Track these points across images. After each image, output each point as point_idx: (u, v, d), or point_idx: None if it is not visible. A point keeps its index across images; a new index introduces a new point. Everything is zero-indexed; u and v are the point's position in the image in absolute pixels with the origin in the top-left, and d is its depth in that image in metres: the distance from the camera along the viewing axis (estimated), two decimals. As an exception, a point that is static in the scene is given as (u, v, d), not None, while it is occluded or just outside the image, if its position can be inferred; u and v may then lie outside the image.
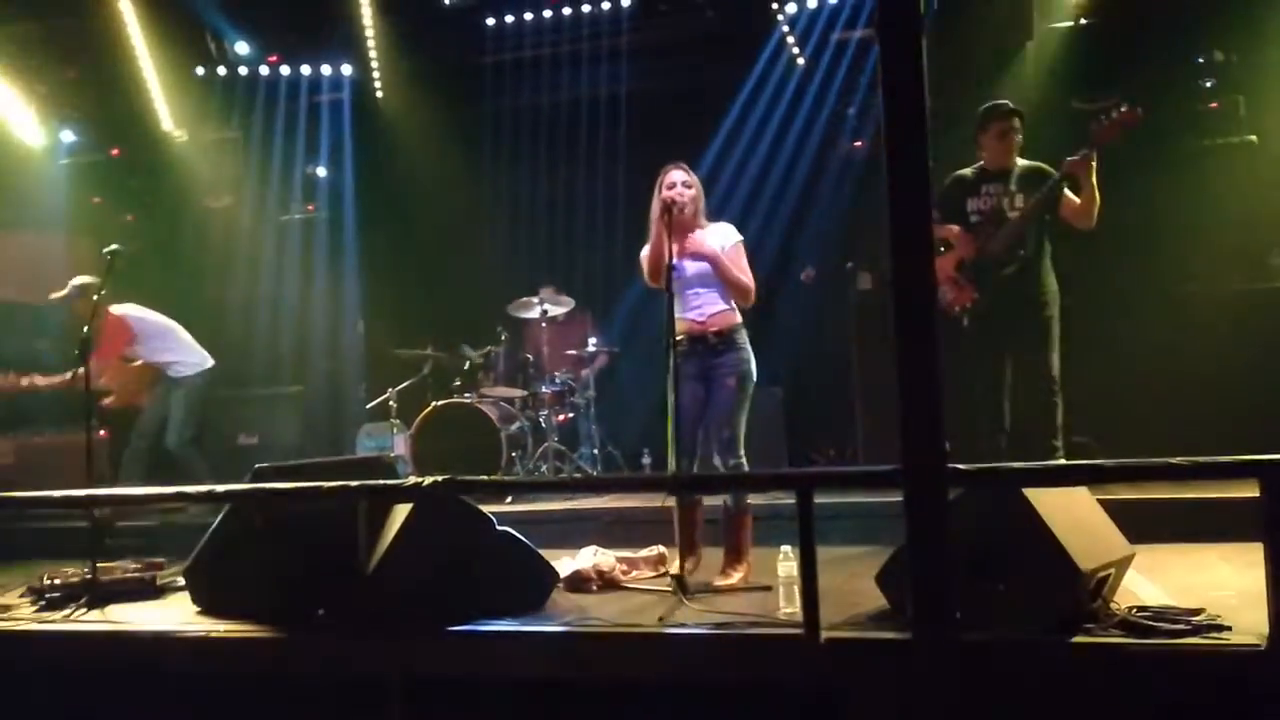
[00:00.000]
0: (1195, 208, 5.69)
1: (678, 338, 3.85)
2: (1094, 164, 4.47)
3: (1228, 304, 5.46)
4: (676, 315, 3.89)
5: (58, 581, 4.03)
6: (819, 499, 2.91)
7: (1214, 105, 5.86)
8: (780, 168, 6.75)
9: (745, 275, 3.98)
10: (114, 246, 4.72)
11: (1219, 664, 2.60)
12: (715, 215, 4.16)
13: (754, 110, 6.82)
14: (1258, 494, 2.58)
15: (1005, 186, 4.72)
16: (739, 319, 4.01)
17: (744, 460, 3.94)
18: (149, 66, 7.32)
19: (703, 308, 3.95)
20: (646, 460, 6.52)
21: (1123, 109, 4.41)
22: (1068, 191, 4.60)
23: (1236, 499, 3.61)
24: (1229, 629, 2.68)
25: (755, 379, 3.99)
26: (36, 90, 7.35)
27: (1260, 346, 5.29)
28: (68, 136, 7.76)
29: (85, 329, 4.44)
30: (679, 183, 4.00)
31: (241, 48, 7.32)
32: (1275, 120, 5.82)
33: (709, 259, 3.92)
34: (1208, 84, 5.83)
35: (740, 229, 4.12)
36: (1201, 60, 5.90)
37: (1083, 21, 6.16)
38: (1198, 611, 2.80)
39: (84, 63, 7.35)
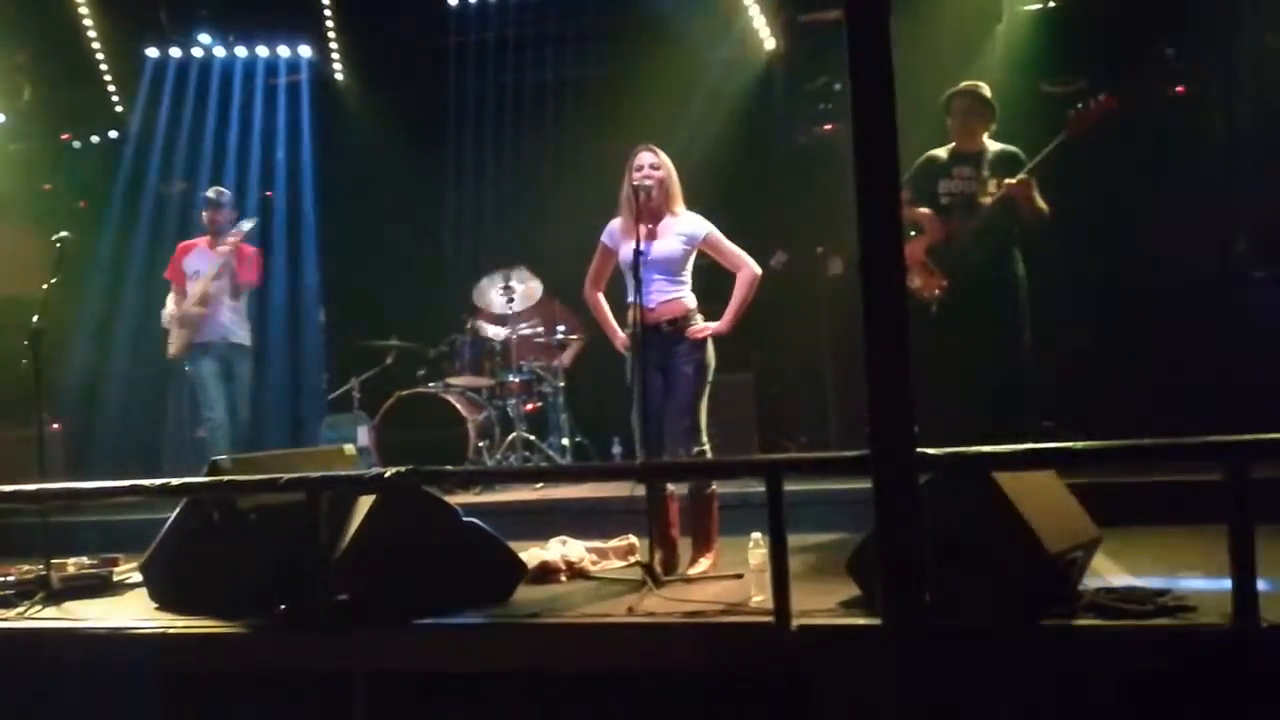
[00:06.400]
0: (1161, 192, 5.73)
1: (638, 326, 3.81)
2: (1034, 185, 4.50)
3: (1194, 288, 5.52)
4: (636, 302, 3.85)
5: (11, 578, 3.94)
6: (789, 486, 2.89)
7: (1180, 89, 5.90)
8: (749, 151, 6.71)
9: (744, 262, 4.00)
10: (64, 234, 4.61)
11: (1184, 644, 2.63)
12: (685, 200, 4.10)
13: (723, 92, 6.77)
14: (1222, 476, 2.59)
15: (977, 170, 4.71)
16: (693, 305, 3.98)
17: (707, 448, 3.92)
18: (101, 48, 7.12)
19: (654, 295, 3.91)
20: (617, 449, 6.48)
21: (1100, 98, 4.40)
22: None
23: (1202, 481, 3.64)
24: (1194, 609, 2.71)
25: (713, 366, 3.97)
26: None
27: (1226, 330, 5.35)
28: (16, 121, 7.53)
29: (36, 318, 4.30)
30: (647, 165, 3.95)
31: (203, 37, 7.15)
32: (1241, 104, 5.88)
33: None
34: (1174, 59, 5.86)
35: (709, 214, 4.07)
36: (1169, 45, 5.94)
37: (1051, 4, 6.18)
38: (1163, 593, 2.83)
39: (33, 45, 7.14)
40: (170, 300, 5.93)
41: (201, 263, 5.83)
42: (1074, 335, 5.57)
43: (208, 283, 5.73)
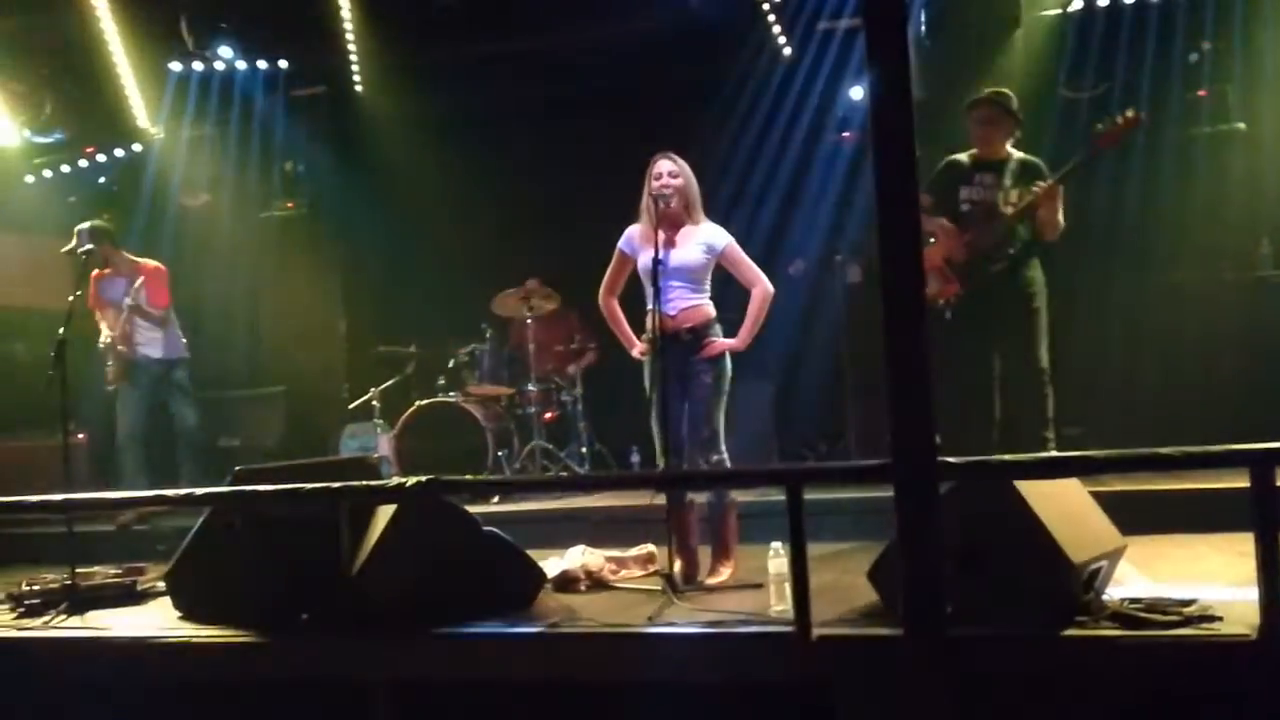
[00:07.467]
0: (1185, 196, 5.69)
1: (657, 333, 3.81)
2: (1058, 197, 4.48)
3: (1218, 293, 5.47)
4: (655, 309, 3.85)
5: (37, 588, 3.98)
6: (809, 494, 2.89)
7: (1202, 93, 5.86)
8: (767, 160, 6.71)
9: (758, 278, 3.97)
10: (88, 246, 4.66)
11: (1210, 655, 2.60)
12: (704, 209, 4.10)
13: (741, 101, 6.78)
14: (1248, 484, 2.57)
15: (999, 179, 4.68)
16: (713, 313, 3.97)
17: (725, 457, 3.91)
18: (123, 63, 7.21)
19: (675, 302, 3.90)
20: (635, 458, 6.47)
21: (1127, 114, 4.36)
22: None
23: (1227, 489, 3.61)
24: (1220, 619, 2.68)
25: (730, 375, 3.95)
26: (9, 89, 7.22)
27: (1250, 335, 5.30)
28: (41, 135, 7.62)
29: (61, 330, 4.36)
30: (665, 173, 3.94)
31: (225, 51, 7.22)
32: (1264, 108, 5.83)
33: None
34: (1194, 60, 5.81)
35: (727, 222, 4.07)
36: (1190, 49, 5.91)
37: (1071, 9, 6.15)
38: (1189, 603, 2.79)
39: (57, 60, 7.23)
40: (104, 328, 5.97)
41: (114, 290, 5.92)
42: (1098, 341, 5.53)
43: (120, 312, 5.85)
